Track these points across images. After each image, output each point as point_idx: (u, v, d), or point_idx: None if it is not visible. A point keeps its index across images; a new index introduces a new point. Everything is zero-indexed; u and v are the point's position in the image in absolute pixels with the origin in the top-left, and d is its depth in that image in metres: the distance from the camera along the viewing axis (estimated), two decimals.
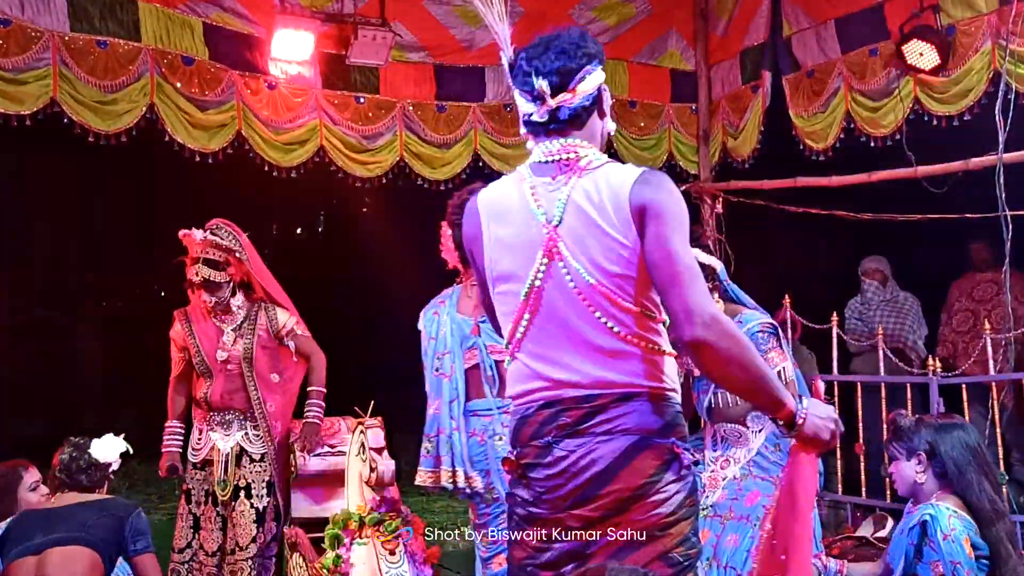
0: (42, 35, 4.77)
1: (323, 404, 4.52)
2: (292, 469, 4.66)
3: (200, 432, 4.42)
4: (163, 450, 4.43)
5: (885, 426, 3.25)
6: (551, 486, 2.09)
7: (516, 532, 2.18)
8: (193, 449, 4.42)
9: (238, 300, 4.46)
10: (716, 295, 3.69)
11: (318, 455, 4.58)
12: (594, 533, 2.06)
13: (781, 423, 2.13)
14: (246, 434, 4.36)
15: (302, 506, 4.62)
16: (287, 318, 4.53)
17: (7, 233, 12.25)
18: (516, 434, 2.16)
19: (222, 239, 4.34)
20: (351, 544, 3.79)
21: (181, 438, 4.46)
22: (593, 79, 2.13)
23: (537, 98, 2.10)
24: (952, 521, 2.94)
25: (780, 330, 3.61)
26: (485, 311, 2.35)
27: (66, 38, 4.84)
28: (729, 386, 2.28)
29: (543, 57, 2.11)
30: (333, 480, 4.50)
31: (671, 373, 2.13)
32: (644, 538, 2.04)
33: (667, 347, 2.12)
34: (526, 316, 2.12)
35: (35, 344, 13.99)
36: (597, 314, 2.06)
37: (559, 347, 2.10)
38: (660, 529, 2.04)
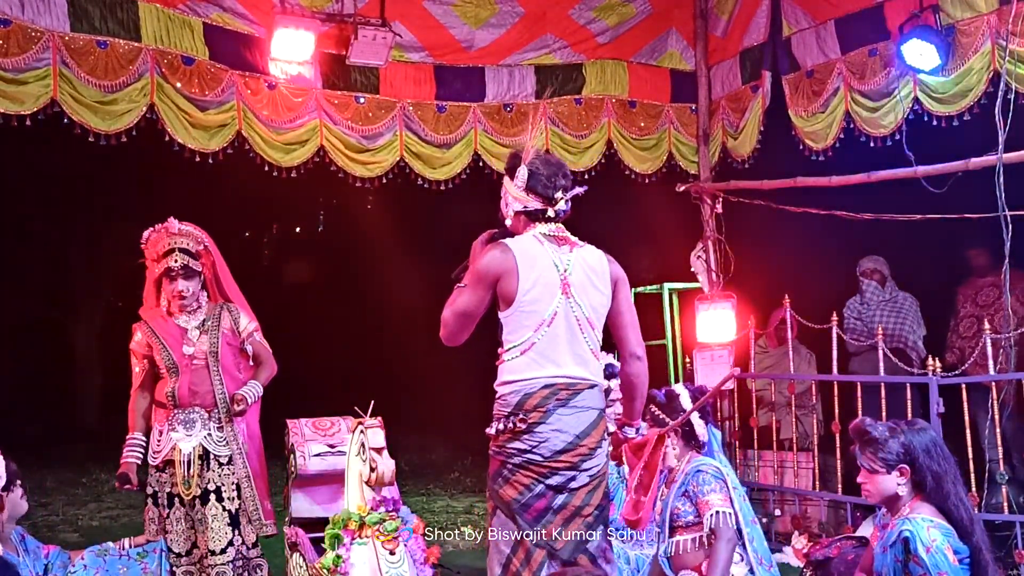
0: (42, 35, 4.77)
1: (260, 391, 4.43)
2: (291, 469, 4.66)
3: (160, 433, 4.33)
4: (121, 460, 4.32)
5: (855, 433, 3.21)
6: (549, 439, 3.04)
7: (509, 475, 3.06)
8: (153, 452, 4.32)
9: (204, 297, 4.45)
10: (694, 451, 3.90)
11: (318, 455, 4.58)
12: (574, 473, 3.05)
13: (632, 425, 3.48)
14: (209, 435, 4.30)
15: (302, 506, 4.61)
16: (248, 322, 4.52)
17: (7, 233, 12.25)
18: (521, 405, 3.07)
19: (193, 230, 4.37)
20: (351, 544, 3.78)
21: (141, 450, 4.35)
22: None
23: (549, 201, 3.17)
24: (932, 532, 2.93)
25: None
26: (462, 315, 3.14)
27: (66, 38, 4.84)
28: (636, 389, 3.31)
29: (559, 177, 3.19)
30: (333, 480, 4.49)
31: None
32: (596, 482, 3.10)
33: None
34: (544, 329, 3.09)
35: (35, 344, 14.01)
36: (584, 335, 3.14)
37: (558, 351, 3.10)
38: (602, 475, 3.14)
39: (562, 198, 3.18)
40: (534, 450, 3.03)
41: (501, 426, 3.09)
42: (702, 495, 3.64)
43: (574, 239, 3.24)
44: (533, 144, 3.26)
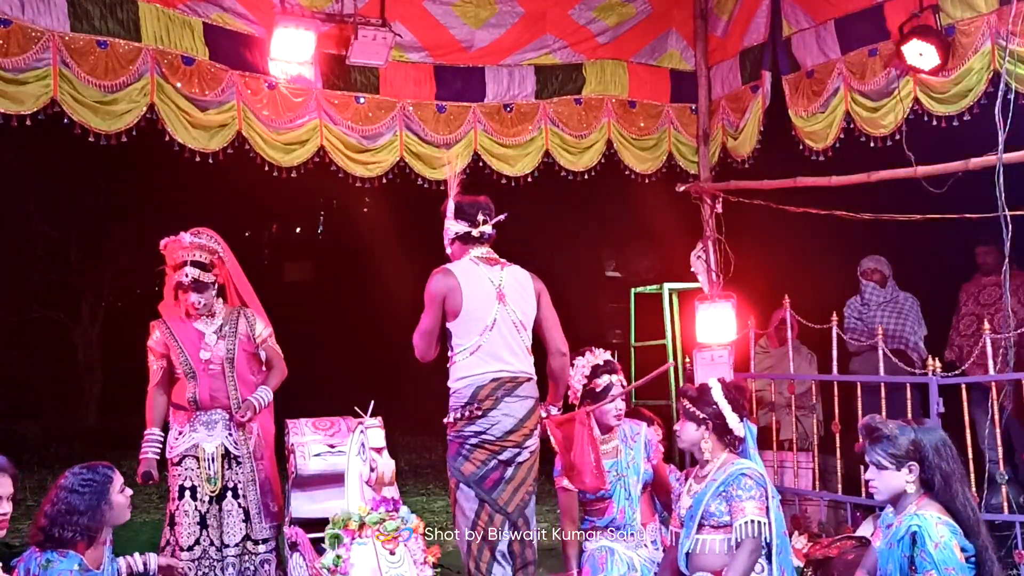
0: (42, 35, 4.77)
1: (270, 397, 4.61)
2: (291, 469, 4.66)
3: (180, 433, 4.48)
4: (141, 457, 4.49)
5: (863, 431, 3.21)
6: (499, 422, 3.76)
7: (468, 454, 3.79)
8: (171, 447, 4.48)
9: (219, 303, 4.62)
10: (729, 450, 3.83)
11: (318, 455, 4.59)
12: (519, 450, 3.80)
13: (555, 405, 4.12)
14: (230, 435, 4.49)
15: (302, 506, 4.62)
16: (263, 328, 4.69)
17: (8, 232, 12.25)
18: (474, 396, 3.78)
19: (206, 241, 4.53)
20: (351, 544, 3.79)
21: (160, 446, 4.50)
22: None
23: (478, 226, 3.96)
24: (940, 528, 2.94)
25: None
26: (425, 334, 3.87)
27: (66, 38, 4.84)
28: (560, 379, 4.07)
29: (479, 206, 4.00)
30: (333, 480, 4.50)
31: None
32: (534, 458, 3.89)
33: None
34: (488, 333, 3.82)
35: (35, 344, 14.00)
36: (521, 335, 3.89)
37: (500, 350, 3.82)
38: (537, 451, 3.90)
39: (484, 220, 3.98)
40: (488, 431, 3.76)
41: (459, 415, 3.80)
42: (739, 500, 3.56)
43: (502, 260, 4.01)
44: (458, 189, 4.11)
